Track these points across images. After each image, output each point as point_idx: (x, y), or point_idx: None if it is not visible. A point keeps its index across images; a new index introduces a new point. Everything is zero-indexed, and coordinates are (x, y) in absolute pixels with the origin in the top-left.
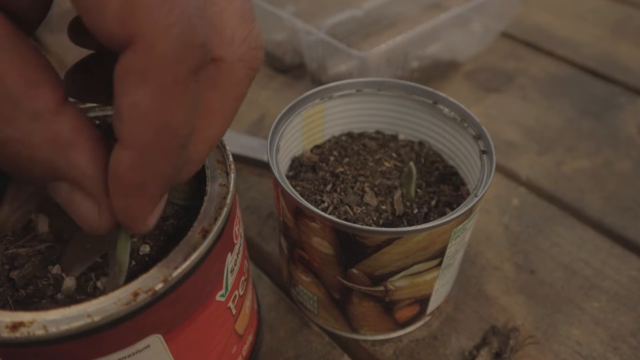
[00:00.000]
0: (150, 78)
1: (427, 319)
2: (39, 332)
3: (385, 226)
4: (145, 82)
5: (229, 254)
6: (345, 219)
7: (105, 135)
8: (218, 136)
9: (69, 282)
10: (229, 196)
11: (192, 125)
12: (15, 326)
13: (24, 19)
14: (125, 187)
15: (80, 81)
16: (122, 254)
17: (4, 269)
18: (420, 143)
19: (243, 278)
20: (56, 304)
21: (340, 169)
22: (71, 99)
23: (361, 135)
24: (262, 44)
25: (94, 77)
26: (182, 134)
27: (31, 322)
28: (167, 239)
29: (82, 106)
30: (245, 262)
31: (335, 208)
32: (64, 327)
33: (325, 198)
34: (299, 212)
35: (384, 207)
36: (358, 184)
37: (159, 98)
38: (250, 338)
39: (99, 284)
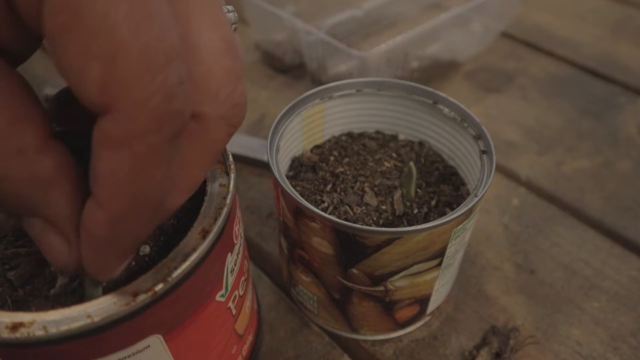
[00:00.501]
0: (127, 147)
1: (427, 319)
2: (39, 333)
3: (385, 226)
4: (122, 151)
5: (229, 254)
6: (345, 219)
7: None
8: (193, 188)
9: (62, 281)
10: (229, 196)
11: (167, 188)
12: (15, 326)
13: (11, 52)
14: (96, 241)
15: (62, 110)
16: (90, 290)
17: (4, 269)
18: (420, 143)
19: (243, 278)
20: (49, 302)
21: (340, 169)
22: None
23: (361, 135)
24: (245, 101)
25: (76, 109)
26: (157, 197)
27: (31, 323)
28: (167, 239)
29: None
30: (245, 262)
31: (335, 208)
32: (64, 328)
33: (325, 198)
34: (299, 212)
35: (384, 207)
36: (358, 184)
37: (136, 166)
38: (250, 338)
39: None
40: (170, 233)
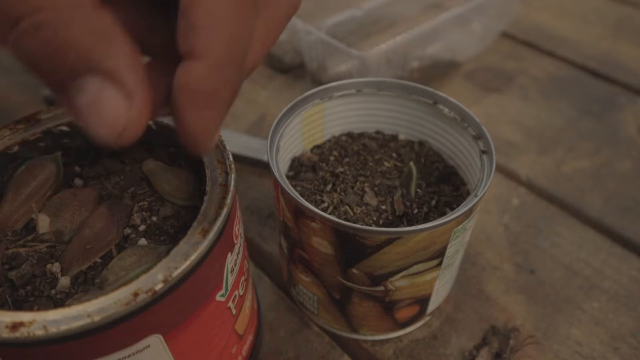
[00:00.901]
0: None
1: (427, 319)
2: (39, 332)
3: (385, 226)
4: None
5: (229, 254)
6: (345, 219)
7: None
8: (253, 66)
9: (64, 281)
10: (229, 196)
11: (251, 40)
12: (15, 326)
13: None
14: (199, 98)
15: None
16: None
17: (4, 268)
18: (420, 143)
19: (243, 278)
20: (51, 302)
21: (340, 169)
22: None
23: (361, 135)
24: None
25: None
26: (246, 48)
27: (31, 322)
28: (167, 238)
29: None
30: (245, 262)
31: (335, 208)
32: (64, 327)
33: (325, 198)
34: (299, 212)
35: (384, 207)
36: (358, 184)
37: (234, 9)
38: (250, 338)
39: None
40: (171, 233)
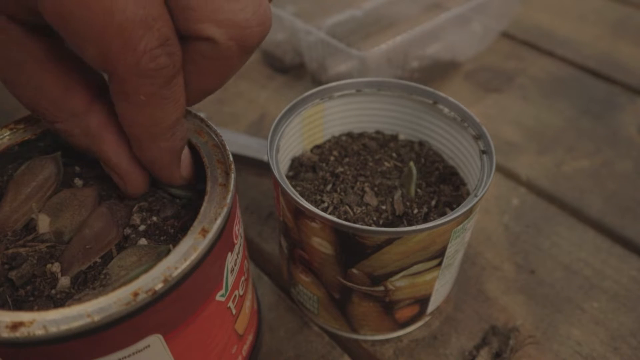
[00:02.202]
0: (125, 99)
1: (427, 319)
2: (39, 332)
3: (385, 226)
4: (123, 101)
5: (229, 254)
6: (345, 219)
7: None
8: (206, 93)
9: (64, 281)
10: (229, 196)
11: (181, 111)
12: (15, 326)
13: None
14: (147, 163)
15: None
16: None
17: (4, 268)
18: (420, 143)
19: (243, 278)
20: (51, 302)
21: (340, 169)
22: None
23: (361, 135)
24: (262, 20)
25: None
26: (171, 122)
27: (31, 322)
28: (167, 238)
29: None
30: (245, 262)
31: (335, 208)
32: (64, 327)
33: (325, 198)
34: (299, 212)
35: (384, 207)
36: (358, 184)
37: (139, 111)
38: (250, 338)
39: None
40: (171, 233)
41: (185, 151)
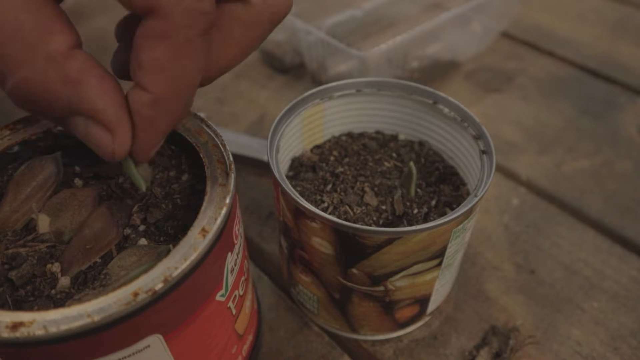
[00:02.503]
0: (167, 38)
1: (427, 319)
2: (39, 332)
3: (385, 226)
4: (163, 42)
5: (229, 254)
6: (345, 219)
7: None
8: (229, 65)
9: (64, 281)
10: (229, 196)
11: (200, 76)
12: (15, 326)
13: None
14: (142, 120)
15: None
16: (132, 176)
17: (4, 268)
18: (420, 143)
19: (243, 278)
20: (51, 302)
21: (340, 169)
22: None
23: (361, 135)
24: None
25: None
26: (191, 83)
27: (31, 322)
28: (167, 239)
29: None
30: (245, 262)
31: (335, 208)
32: (64, 327)
33: (325, 198)
34: (299, 212)
35: (384, 207)
36: (358, 184)
37: (174, 54)
38: (250, 338)
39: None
40: (171, 233)
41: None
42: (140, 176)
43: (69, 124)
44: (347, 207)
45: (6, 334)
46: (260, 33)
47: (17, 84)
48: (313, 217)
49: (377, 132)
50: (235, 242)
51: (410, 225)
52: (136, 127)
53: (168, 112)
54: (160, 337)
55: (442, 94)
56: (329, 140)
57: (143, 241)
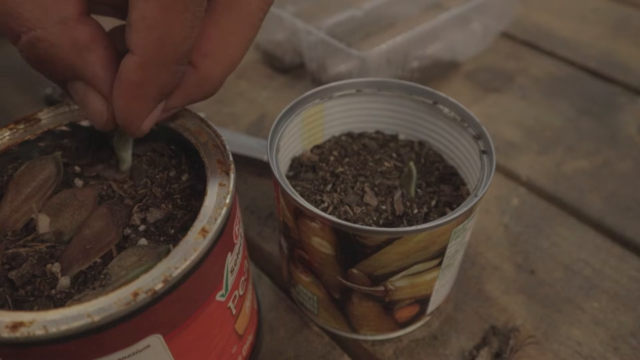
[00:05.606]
0: None
1: (427, 319)
2: (39, 332)
3: (385, 226)
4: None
5: (229, 254)
6: (345, 219)
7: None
8: (232, 61)
9: (64, 281)
10: (229, 196)
11: (190, 44)
12: (15, 326)
13: None
14: (127, 86)
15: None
16: (120, 151)
17: (4, 268)
18: (420, 143)
19: (243, 278)
20: (51, 302)
21: (340, 169)
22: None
23: (361, 135)
24: None
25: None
26: (180, 49)
27: (31, 322)
28: (167, 238)
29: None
30: (245, 262)
31: (335, 208)
32: (64, 327)
33: (325, 198)
34: (299, 212)
35: (384, 207)
36: (358, 184)
37: (163, 12)
38: (250, 338)
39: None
40: (170, 233)
41: (158, 109)
42: (126, 154)
43: (70, 86)
44: (347, 207)
45: (6, 334)
46: (254, 22)
47: (29, 42)
48: (313, 217)
49: (377, 132)
50: (235, 242)
51: (410, 225)
52: (125, 94)
53: (154, 77)
54: (160, 337)
55: (442, 94)
56: (329, 140)
57: (143, 241)
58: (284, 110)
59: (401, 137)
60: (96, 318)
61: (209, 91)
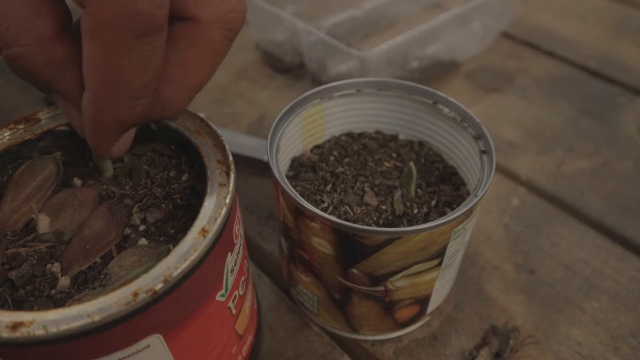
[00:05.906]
0: (95, 37)
1: (427, 319)
2: (39, 332)
3: (385, 226)
4: (92, 40)
5: (229, 254)
6: (345, 219)
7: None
8: (196, 85)
9: (64, 281)
10: (229, 196)
11: (145, 81)
12: (15, 326)
13: None
14: (87, 119)
15: None
16: (98, 162)
17: (4, 268)
18: (420, 143)
19: (243, 278)
20: (51, 302)
21: (340, 169)
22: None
23: (361, 135)
24: (243, 8)
25: None
26: (132, 86)
27: (31, 322)
28: (167, 238)
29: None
30: (245, 262)
31: (335, 208)
32: (64, 327)
33: (325, 198)
34: (299, 212)
35: (384, 207)
36: (358, 184)
37: (107, 54)
38: (250, 338)
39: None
40: (171, 233)
41: (129, 134)
42: (105, 165)
43: (53, 96)
44: (347, 207)
45: (6, 334)
46: (217, 49)
47: (9, 58)
48: (313, 217)
49: (377, 132)
50: (235, 242)
51: (410, 225)
52: (87, 125)
53: (109, 114)
54: (160, 337)
55: (442, 94)
56: (329, 140)
57: (143, 241)
58: (284, 110)
59: (401, 137)
60: (96, 318)
61: (172, 114)
